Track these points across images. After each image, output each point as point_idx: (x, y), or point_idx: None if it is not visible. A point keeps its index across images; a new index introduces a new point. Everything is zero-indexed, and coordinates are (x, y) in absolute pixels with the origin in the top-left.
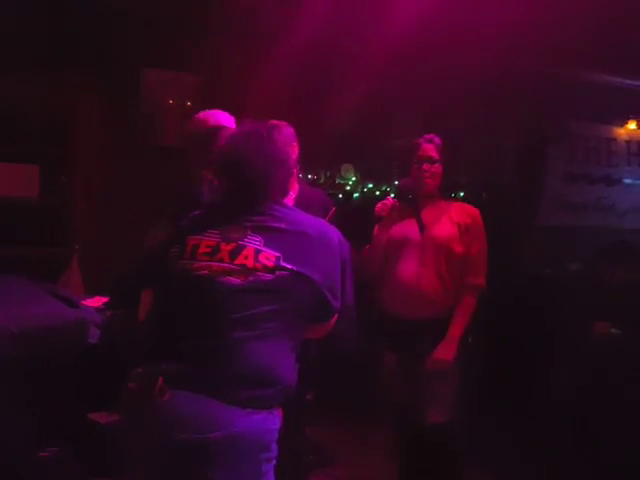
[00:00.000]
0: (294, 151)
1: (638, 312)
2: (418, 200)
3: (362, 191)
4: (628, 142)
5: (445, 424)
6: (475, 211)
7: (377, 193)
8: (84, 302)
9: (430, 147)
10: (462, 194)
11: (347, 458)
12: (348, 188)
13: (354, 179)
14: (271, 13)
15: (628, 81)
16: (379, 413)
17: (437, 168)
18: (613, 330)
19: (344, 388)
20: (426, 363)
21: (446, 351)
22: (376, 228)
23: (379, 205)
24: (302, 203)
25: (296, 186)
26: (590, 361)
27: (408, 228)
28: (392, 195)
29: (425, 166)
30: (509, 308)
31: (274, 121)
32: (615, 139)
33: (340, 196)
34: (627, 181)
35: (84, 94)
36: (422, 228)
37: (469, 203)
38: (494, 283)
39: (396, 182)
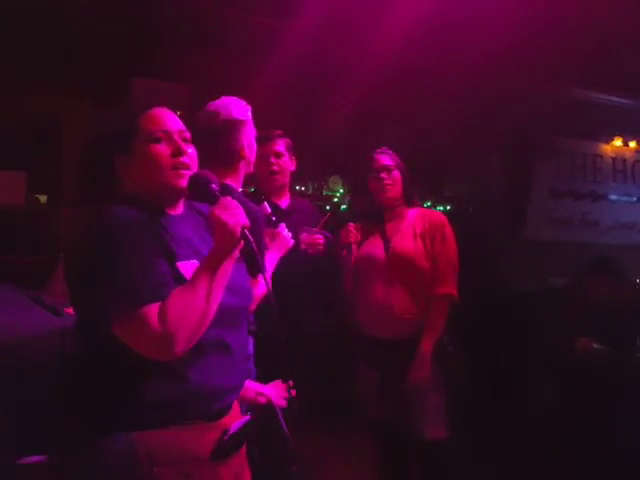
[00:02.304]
0: (293, 163)
1: (621, 328)
2: (382, 213)
3: (349, 203)
4: (614, 159)
5: (446, 438)
6: (440, 218)
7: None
8: (68, 310)
9: (384, 157)
10: (449, 207)
11: (330, 468)
12: (336, 200)
13: (342, 191)
14: (261, 25)
15: (614, 98)
16: (361, 423)
17: (395, 175)
18: (595, 346)
19: (326, 398)
20: (408, 381)
21: (420, 369)
22: (344, 252)
23: (343, 234)
24: (295, 210)
25: (288, 196)
26: (573, 376)
27: (374, 247)
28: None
29: (383, 174)
30: (493, 322)
31: (278, 131)
32: (601, 155)
33: (327, 208)
34: (612, 197)
35: (73, 103)
36: (387, 247)
37: (456, 216)
38: (478, 297)
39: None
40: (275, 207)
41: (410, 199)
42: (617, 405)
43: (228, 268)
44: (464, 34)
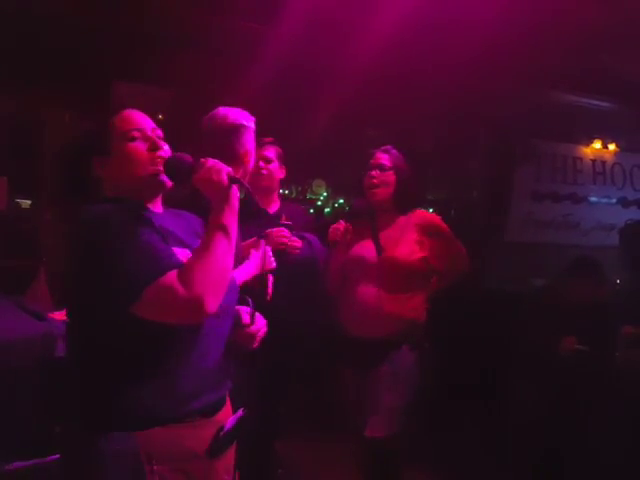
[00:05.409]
0: (283, 171)
1: (603, 328)
2: (376, 217)
3: (333, 206)
4: (594, 161)
5: (383, 438)
6: (435, 219)
7: (348, 208)
8: (51, 315)
9: (383, 156)
10: (431, 210)
11: (315, 471)
12: (319, 203)
13: (325, 194)
14: (243, 29)
15: (593, 101)
16: (344, 426)
17: (388, 177)
18: (578, 346)
19: (309, 400)
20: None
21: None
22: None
23: (332, 230)
24: (286, 215)
25: (277, 202)
26: (556, 377)
27: (365, 249)
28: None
29: (374, 172)
30: (475, 323)
31: (270, 138)
32: (581, 158)
33: (311, 211)
34: (592, 199)
35: (54, 107)
36: (379, 249)
37: None
38: (461, 299)
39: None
40: (262, 212)
41: (403, 205)
42: (600, 404)
43: (234, 220)
44: (446, 37)
